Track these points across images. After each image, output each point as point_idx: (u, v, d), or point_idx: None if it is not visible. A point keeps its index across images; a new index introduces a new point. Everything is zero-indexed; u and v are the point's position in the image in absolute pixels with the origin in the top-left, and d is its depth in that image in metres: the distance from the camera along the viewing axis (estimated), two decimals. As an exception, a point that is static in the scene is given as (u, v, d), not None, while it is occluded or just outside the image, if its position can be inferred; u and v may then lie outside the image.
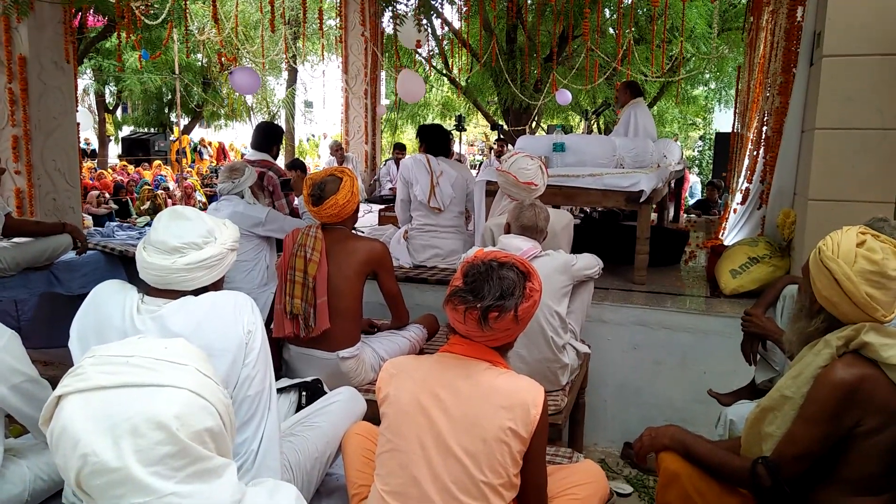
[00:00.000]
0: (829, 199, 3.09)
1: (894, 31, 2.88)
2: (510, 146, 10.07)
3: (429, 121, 17.02)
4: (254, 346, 1.56)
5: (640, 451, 1.86)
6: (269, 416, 1.58)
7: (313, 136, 27.18)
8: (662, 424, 1.91)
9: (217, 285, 1.68)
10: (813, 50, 3.27)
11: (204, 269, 1.61)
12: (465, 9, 8.87)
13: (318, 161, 21.76)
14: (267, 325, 2.78)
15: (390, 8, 3.89)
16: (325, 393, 2.21)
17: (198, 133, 21.88)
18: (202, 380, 1.04)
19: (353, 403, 2.12)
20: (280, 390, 2.18)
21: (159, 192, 11.37)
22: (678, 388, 3.39)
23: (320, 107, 19.72)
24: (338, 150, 8.50)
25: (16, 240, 3.48)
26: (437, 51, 11.26)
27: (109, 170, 13.98)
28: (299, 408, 2.14)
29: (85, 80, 16.87)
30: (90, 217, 6.57)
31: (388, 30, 7.49)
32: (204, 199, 12.55)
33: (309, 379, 2.29)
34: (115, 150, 19.71)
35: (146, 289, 1.63)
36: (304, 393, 2.19)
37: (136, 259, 1.62)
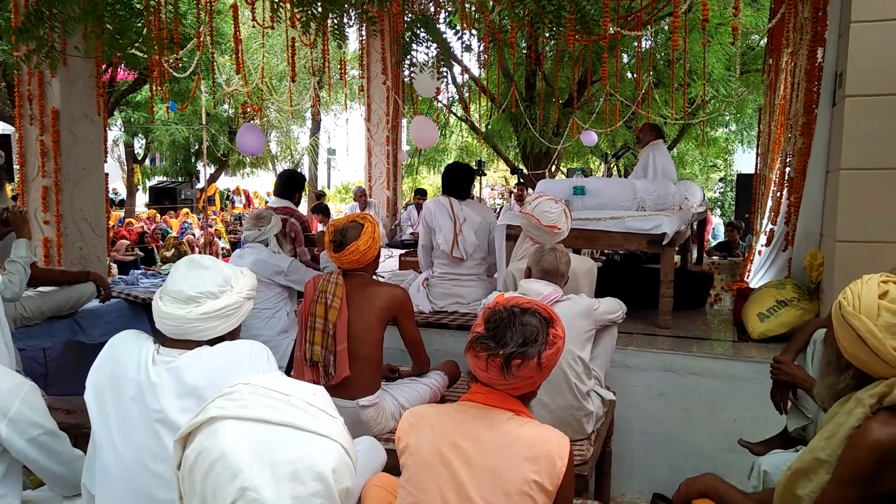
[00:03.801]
0: (858, 241, 3.02)
1: (917, 71, 2.85)
2: (530, 190, 10.10)
3: (449, 166, 17.15)
4: None
5: (678, 501, 1.79)
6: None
7: (328, 184, 27.63)
8: (692, 473, 1.85)
9: (233, 334, 1.67)
10: (835, 90, 3.25)
11: (220, 319, 1.60)
12: (484, 57, 9.03)
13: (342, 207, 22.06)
14: (287, 372, 2.77)
15: (409, 57, 3.96)
16: (345, 442, 2.17)
17: (224, 181, 22.29)
18: (348, 437, 1.03)
19: (373, 454, 2.07)
20: (299, 440, 2.14)
21: (184, 239, 11.54)
22: (707, 436, 3.28)
23: (343, 153, 20.08)
24: (361, 195, 8.61)
25: (40, 288, 3.53)
26: (457, 97, 11.45)
27: (136, 218, 14.24)
28: (318, 458, 2.10)
29: (115, 132, 17.36)
30: (115, 265, 6.68)
31: (409, 78, 7.64)
32: (227, 246, 12.71)
33: (328, 428, 2.25)
34: (142, 198, 20.13)
35: (162, 339, 1.63)
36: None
37: (153, 309, 1.62)
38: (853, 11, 2.95)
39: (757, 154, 7.97)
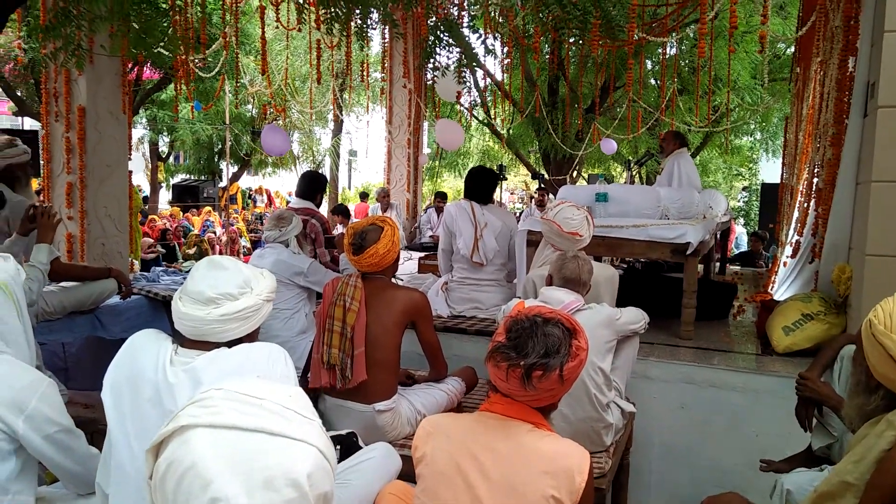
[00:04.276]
0: (889, 255, 2.95)
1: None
2: (551, 195, 10.04)
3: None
4: None
5: None
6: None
7: (349, 185, 27.74)
8: (712, 489, 1.81)
9: (252, 337, 1.66)
10: (866, 101, 3.18)
11: (239, 321, 1.59)
12: (507, 61, 9.01)
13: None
14: (304, 374, 2.75)
15: (432, 60, 3.96)
16: (360, 447, 2.15)
17: (246, 180, 22.45)
18: (326, 440, 1.00)
19: (388, 461, 2.05)
20: (314, 443, 2.12)
21: (206, 237, 11.63)
22: (728, 451, 3.22)
23: (363, 155, 20.17)
24: (384, 196, 8.55)
25: (62, 284, 3.56)
26: (479, 101, 11.42)
27: (159, 215, 14.38)
28: (333, 463, 2.08)
29: (140, 130, 17.55)
30: (137, 261, 6.76)
31: (431, 81, 7.64)
32: (248, 245, 12.78)
33: (343, 432, 2.23)
34: (165, 196, 20.34)
35: (181, 339, 1.62)
36: (337, 447, 2.14)
37: (172, 310, 1.61)
38: (887, 20, 2.88)
39: (783, 164, 7.86)
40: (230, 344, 1.61)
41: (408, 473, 1.85)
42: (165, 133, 17.66)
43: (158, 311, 3.97)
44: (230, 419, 0.94)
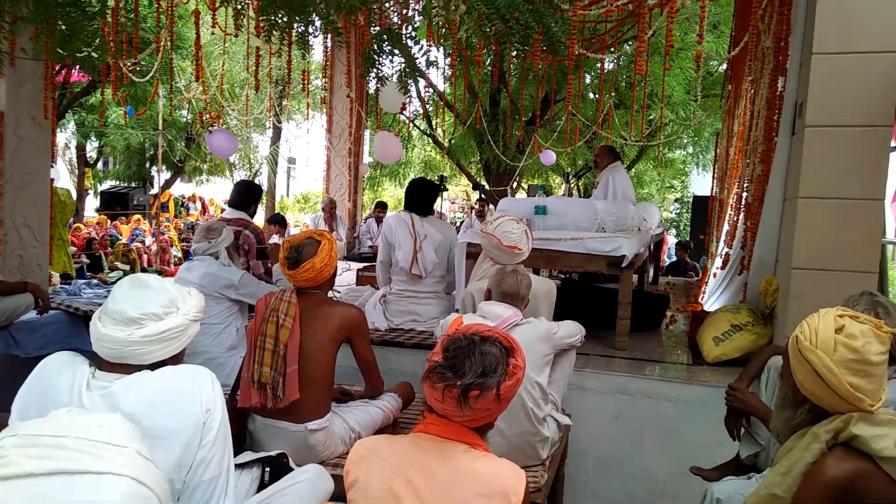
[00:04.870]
0: (813, 269, 3.06)
1: (876, 104, 2.92)
2: (492, 206, 10.10)
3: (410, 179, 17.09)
4: (212, 426, 1.44)
5: None
6: (224, 502, 1.45)
7: (287, 194, 27.24)
8: (645, 497, 1.81)
9: (176, 359, 1.57)
10: (794, 120, 3.31)
11: (163, 342, 1.50)
12: (449, 72, 9.04)
13: (300, 217, 21.75)
14: (233, 391, 2.65)
15: (375, 70, 3.92)
16: (291, 469, 2.08)
17: (179, 187, 21.78)
18: (144, 464, 0.93)
19: (320, 483, 1.98)
20: (242, 465, 2.04)
21: (134, 245, 11.20)
22: (662, 461, 3.27)
23: (303, 163, 19.91)
24: (331, 207, 8.26)
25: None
26: (421, 111, 11.42)
27: (84, 224, 13.78)
28: (262, 486, 2.00)
29: (67, 134, 16.81)
30: (58, 274, 6.42)
31: (374, 91, 7.59)
32: (180, 254, 12.39)
33: (273, 453, 2.15)
34: (93, 203, 19.52)
35: (98, 362, 1.52)
36: (267, 469, 2.05)
37: (91, 332, 1.51)
38: (815, 43, 3.01)
39: (713, 177, 8.13)
40: (153, 367, 1.52)
41: (340, 494, 1.79)
42: (94, 138, 16.96)
43: (78, 328, 3.76)
44: (22, 468, 0.87)
